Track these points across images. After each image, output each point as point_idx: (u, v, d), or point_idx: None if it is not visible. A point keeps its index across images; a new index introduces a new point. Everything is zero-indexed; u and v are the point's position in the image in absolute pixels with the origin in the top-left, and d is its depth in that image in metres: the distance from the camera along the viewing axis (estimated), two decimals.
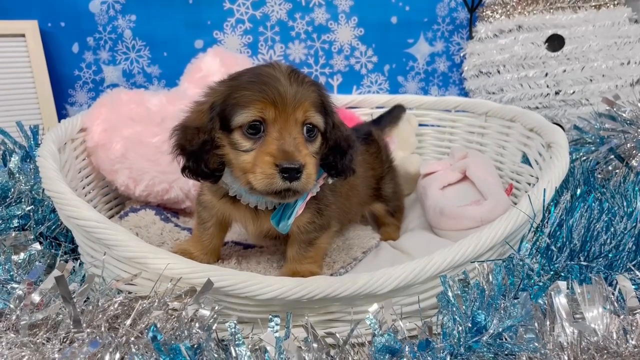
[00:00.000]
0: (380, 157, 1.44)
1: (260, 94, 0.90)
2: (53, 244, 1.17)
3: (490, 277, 0.85)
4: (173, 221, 1.43)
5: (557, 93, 1.97)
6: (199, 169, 0.96)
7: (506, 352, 0.74)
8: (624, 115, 1.51)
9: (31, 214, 1.18)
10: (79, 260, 1.11)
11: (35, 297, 0.79)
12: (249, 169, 0.91)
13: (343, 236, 1.35)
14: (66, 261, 0.97)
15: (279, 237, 1.16)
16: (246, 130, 0.92)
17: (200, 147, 0.95)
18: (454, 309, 0.79)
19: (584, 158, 1.46)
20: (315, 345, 0.74)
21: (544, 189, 1.03)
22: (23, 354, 0.70)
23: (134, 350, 0.71)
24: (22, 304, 0.78)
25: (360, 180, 1.30)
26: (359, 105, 1.82)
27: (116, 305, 0.79)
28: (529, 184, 1.41)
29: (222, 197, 1.06)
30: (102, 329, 0.75)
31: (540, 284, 0.87)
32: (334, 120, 1.01)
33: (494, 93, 2.04)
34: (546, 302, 0.78)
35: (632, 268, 0.90)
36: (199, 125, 0.96)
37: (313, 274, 1.06)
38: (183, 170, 0.98)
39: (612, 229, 0.94)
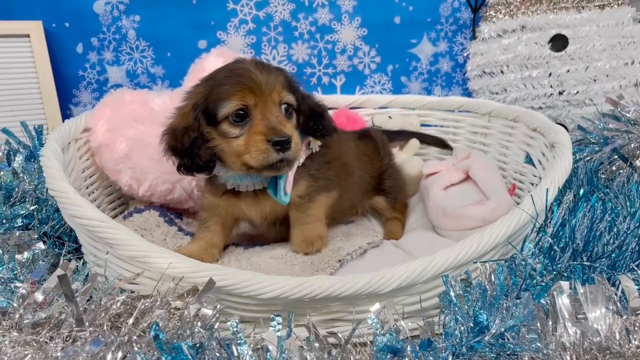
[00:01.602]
0: (378, 152, 1.49)
1: (239, 85, 1.02)
2: (57, 243, 1.18)
3: (493, 277, 0.85)
4: (177, 223, 1.43)
5: (560, 93, 1.96)
6: (194, 164, 1.06)
7: (508, 352, 0.74)
8: (627, 115, 1.50)
9: (35, 213, 1.19)
10: (82, 260, 1.11)
11: (39, 296, 0.79)
12: (243, 151, 1.02)
13: (345, 225, 1.39)
14: (69, 260, 0.98)
15: (285, 220, 1.22)
16: (232, 119, 1.03)
17: (192, 144, 1.05)
18: (456, 308, 0.79)
19: (588, 158, 1.46)
20: (317, 344, 0.74)
21: (547, 189, 1.02)
22: (26, 352, 0.71)
23: (136, 349, 0.71)
24: (25, 303, 0.78)
25: (356, 163, 1.37)
26: (362, 106, 1.82)
27: (119, 304, 0.80)
28: (532, 184, 1.40)
29: (223, 194, 1.16)
30: (105, 327, 0.75)
31: (543, 284, 0.87)
32: (302, 94, 1.14)
33: (497, 93, 2.04)
34: (549, 302, 0.78)
35: (635, 268, 0.90)
36: (185, 125, 1.06)
37: (320, 236, 1.18)
38: (178, 168, 1.08)
39: (615, 229, 0.93)
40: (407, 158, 1.71)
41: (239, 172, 1.08)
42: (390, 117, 1.79)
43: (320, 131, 1.15)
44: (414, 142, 1.78)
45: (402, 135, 1.74)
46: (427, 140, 1.78)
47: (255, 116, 1.02)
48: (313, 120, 1.14)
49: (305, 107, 1.13)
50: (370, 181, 1.44)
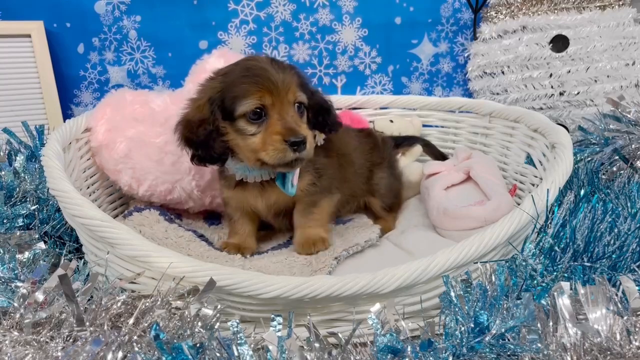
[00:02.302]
0: (377, 148, 1.50)
1: (257, 85, 1.05)
2: (57, 243, 1.18)
3: (493, 277, 0.85)
4: (177, 222, 1.43)
5: (561, 94, 1.96)
6: (208, 155, 1.10)
7: (509, 353, 0.74)
8: (628, 116, 1.50)
9: (36, 213, 1.19)
10: (83, 259, 1.11)
11: (39, 296, 0.79)
12: (259, 148, 1.06)
13: (343, 225, 1.40)
14: (70, 260, 0.98)
15: (289, 212, 1.27)
16: (250, 117, 1.06)
17: (207, 137, 1.09)
18: (457, 309, 0.79)
19: (588, 159, 1.46)
20: (317, 344, 0.74)
21: (548, 190, 1.02)
22: (27, 352, 0.71)
23: (136, 348, 0.71)
24: (26, 303, 0.78)
25: (356, 153, 1.41)
26: (363, 106, 1.82)
27: (119, 304, 0.79)
28: (533, 185, 1.40)
29: (235, 187, 1.22)
30: (105, 327, 0.75)
31: (544, 284, 0.87)
32: (311, 89, 1.17)
33: (498, 94, 2.04)
34: (549, 302, 0.78)
35: (636, 269, 0.90)
36: (201, 117, 1.09)
37: (323, 239, 1.21)
38: (192, 158, 1.13)
39: (615, 230, 0.93)
40: (408, 164, 1.71)
41: (251, 166, 1.12)
42: (391, 121, 1.79)
43: (327, 126, 1.20)
44: (417, 148, 1.78)
45: (409, 141, 1.75)
46: (429, 150, 1.77)
47: (272, 115, 1.06)
48: (322, 115, 1.19)
49: (314, 103, 1.16)
50: (369, 173, 1.46)
